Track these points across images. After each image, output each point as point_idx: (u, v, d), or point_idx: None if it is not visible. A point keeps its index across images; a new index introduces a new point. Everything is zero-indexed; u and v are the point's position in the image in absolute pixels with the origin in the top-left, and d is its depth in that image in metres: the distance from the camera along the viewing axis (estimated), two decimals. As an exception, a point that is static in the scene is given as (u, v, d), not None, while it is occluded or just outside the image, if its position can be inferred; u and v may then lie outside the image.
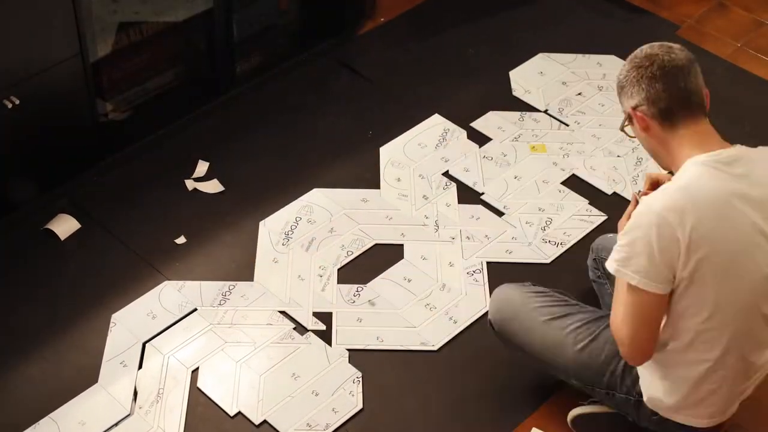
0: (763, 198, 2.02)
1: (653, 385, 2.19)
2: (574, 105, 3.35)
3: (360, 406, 2.46)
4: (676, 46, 2.08)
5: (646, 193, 2.17)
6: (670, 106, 2.03)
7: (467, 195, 3.01)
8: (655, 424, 2.26)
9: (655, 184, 2.21)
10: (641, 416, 2.27)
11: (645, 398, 2.22)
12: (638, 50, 2.11)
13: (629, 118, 2.12)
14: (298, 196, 2.96)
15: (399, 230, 2.89)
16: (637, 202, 2.18)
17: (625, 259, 2.01)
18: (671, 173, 2.13)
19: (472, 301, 2.71)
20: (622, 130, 2.18)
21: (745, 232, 2.00)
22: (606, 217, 2.96)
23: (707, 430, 2.22)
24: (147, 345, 2.56)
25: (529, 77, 3.46)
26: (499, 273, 2.78)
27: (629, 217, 2.12)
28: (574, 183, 3.07)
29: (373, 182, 3.03)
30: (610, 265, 2.04)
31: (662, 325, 2.09)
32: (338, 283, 2.74)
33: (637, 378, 2.23)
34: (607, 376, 2.26)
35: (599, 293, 2.62)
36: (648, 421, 2.26)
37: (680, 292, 2.03)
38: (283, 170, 3.06)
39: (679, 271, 2.00)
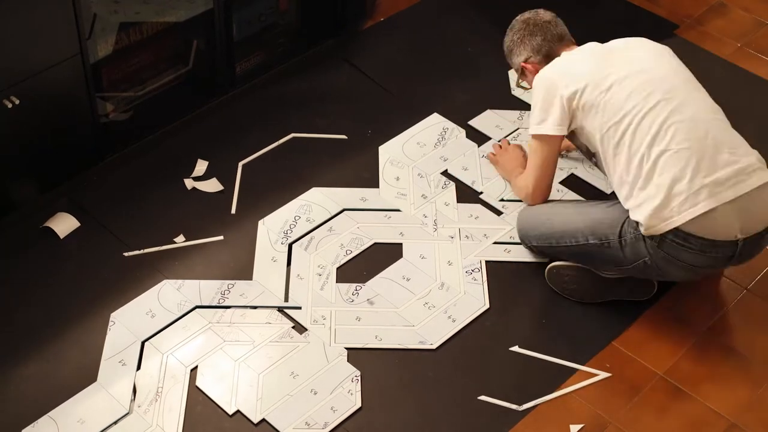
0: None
1: (643, 205, 2.49)
2: (573, 104, 3.35)
3: (359, 404, 2.47)
4: (540, 9, 2.76)
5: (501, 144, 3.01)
6: (550, 49, 2.72)
7: (466, 194, 3.01)
8: (661, 258, 2.50)
9: (505, 143, 3.07)
10: (647, 248, 2.51)
11: (643, 226, 2.49)
12: (513, 21, 2.79)
13: (522, 72, 2.79)
14: (297, 195, 2.97)
15: (398, 229, 2.89)
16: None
17: (539, 120, 2.64)
18: None
19: (471, 299, 2.71)
20: (518, 86, 2.90)
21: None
22: (605, 216, 2.97)
23: (709, 242, 2.45)
24: (146, 344, 2.56)
25: (529, 77, 3.46)
26: (498, 272, 2.79)
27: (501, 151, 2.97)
28: (573, 182, 3.07)
29: (372, 181, 3.04)
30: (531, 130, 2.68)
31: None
32: (337, 282, 2.74)
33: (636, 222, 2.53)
34: (620, 226, 2.56)
35: None
36: (652, 250, 2.50)
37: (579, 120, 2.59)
38: (282, 169, 3.07)
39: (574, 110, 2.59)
